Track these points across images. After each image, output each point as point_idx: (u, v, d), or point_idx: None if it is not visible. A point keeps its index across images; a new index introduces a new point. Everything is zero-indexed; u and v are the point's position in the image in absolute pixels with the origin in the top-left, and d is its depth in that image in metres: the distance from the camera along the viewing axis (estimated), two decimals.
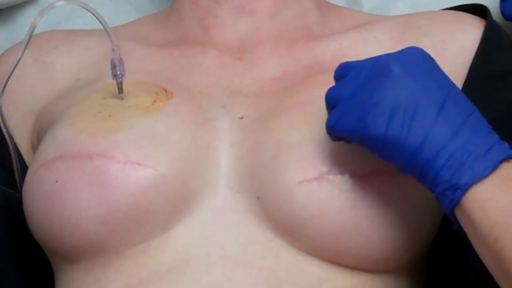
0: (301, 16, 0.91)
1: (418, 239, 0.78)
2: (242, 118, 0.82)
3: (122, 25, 0.98)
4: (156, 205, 0.76)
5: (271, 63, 0.87)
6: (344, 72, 0.73)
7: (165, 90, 0.83)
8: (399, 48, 0.87)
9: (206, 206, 0.78)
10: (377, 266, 0.78)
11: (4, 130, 0.86)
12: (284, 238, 0.77)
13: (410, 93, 0.68)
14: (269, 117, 0.81)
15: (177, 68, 0.87)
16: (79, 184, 0.76)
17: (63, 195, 0.77)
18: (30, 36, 0.82)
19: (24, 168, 0.87)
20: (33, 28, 0.82)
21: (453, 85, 0.71)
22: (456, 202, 0.67)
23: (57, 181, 0.77)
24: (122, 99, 0.82)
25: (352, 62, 0.73)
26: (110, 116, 0.80)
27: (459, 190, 0.67)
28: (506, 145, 0.69)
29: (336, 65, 0.75)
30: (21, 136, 0.91)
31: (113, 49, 0.82)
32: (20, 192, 0.83)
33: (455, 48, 0.88)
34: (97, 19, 0.82)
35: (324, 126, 0.74)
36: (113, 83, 0.82)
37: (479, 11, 0.91)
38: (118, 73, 0.82)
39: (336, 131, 0.72)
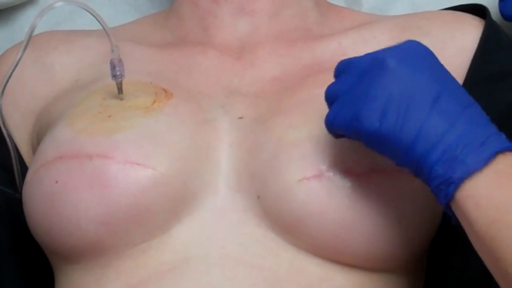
0: (300, 16, 0.91)
1: (418, 237, 0.78)
2: (241, 118, 0.82)
3: (121, 25, 0.98)
4: (156, 205, 0.76)
5: (271, 63, 0.87)
6: (343, 68, 0.73)
7: (165, 91, 0.83)
8: None
9: (206, 206, 0.78)
10: (376, 264, 0.78)
11: (4, 131, 0.86)
12: (284, 237, 0.77)
13: (404, 87, 0.68)
14: (268, 116, 0.81)
15: (177, 68, 0.87)
16: (79, 185, 0.76)
17: (63, 195, 0.77)
18: (30, 37, 0.82)
19: (24, 168, 0.87)
20: (32, 29, 0.82)
21: (450, 78, 0.70)
22: (450, 196, 0.67)
23: (57, 182, 0.77)
24: (121, 99, 0.82)
25: (352, 58, 0.73)
26: (109, 116, 0.80)
27: (452, 184, 0.66)
28: (503, 136, 0.68)
29: (335, 64, 0.75)
30: (21, 137, 0.91)
31: (112, 50, 0.82)
32: (20, 193, 0.83)
33: (455, 48, 0.88)
34: (96, 19, 0.82)
35: (323, 125, 0.74)
36: (112, 83, 0.83)
37: (478, 11, 0.92)
38: (118, 73, 0.82)
39: (334, 127, 0.72)
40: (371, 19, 0.93)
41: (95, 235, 0.76)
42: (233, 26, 0.90)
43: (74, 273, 0.80)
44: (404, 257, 0.78)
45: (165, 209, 0.77)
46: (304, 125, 0.78)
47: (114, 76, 0.82)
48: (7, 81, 0.83)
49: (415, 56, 0.70)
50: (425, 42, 0.87)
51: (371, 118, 0.68)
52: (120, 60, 0.82)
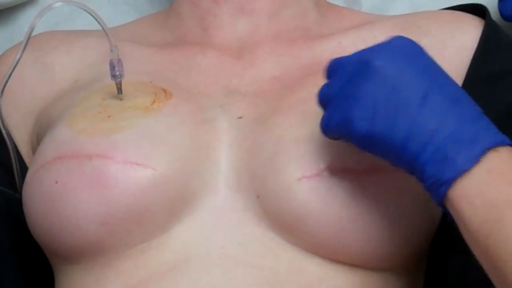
0: (300, 16, 0.91)
1: (418, 237, 0.78)
2: (241, 117, 0.82)
3: (121, 25, 0.98)
4: (155, 205, 0.76)
5: (270, 63, 0.87)
6: (333, 69, 0.73)
7: (164, 91, 0.83)
8: None
9: (206, 206, 0.78)
10: (376, 263, 0.78)
11: (3, 131, 0.86)
12: (284, 236, 0.77)
13: (392, 87, 0.68)
14: (268, 116, 0.81)
15: (176, 68, 0.87)
16: (78, 185, 0.76)
17: (62, 195, 0.77)
18: (29, 37, 0.82)
19: (24, 169, 0.87)
20: (32, 29, 0.82)
21: (439, 72, 0.70)
22: (442, 196, 0.67)
23: (56, 182, 0.77)
24: (121, 99, 0.82)
25: (341, 58, 0.73)
26: (109, 116, 0.80)
27: (444, 184, 0.66)
28: (494, 130, 0.68)
29: None
30: (20, 137, 0.91)
31: (111, 50, 0.82)
32: (20, 193, 0.83)
33: (454, 48, 0.88)
34: (96, 19, 0.82)
35: None
36: (112, 83, 0.83)
37: (478, 11, 0.92)
38: (117, 73, 0.82)
39: (328, 131, 0.72)
40: (371, 19, 0.93)
41: (95, 235, 0.76)
42: (232, 25, 0.90)
43: (74, 273, 0.80)
44: (404, 256, 0.78)
45: (165, 209, 0.77)
46: (304, 124, 0.79)
47: (113, 76, 0.82)
48: (7, 81, 0.83)
49: (402, 53, 0.69)
50: (425, 41, 0.87)
51: (361, 121, 0.68)
52: (119, 60, 0.82)
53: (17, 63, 0.83)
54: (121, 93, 0.83)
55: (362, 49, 0.71)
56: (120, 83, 0.82)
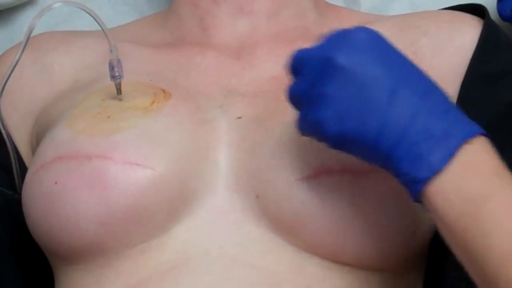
0: (299, 16, 0.92)
1: (417, 236, 0.78)
2: (240, 117, 0.82)
3: (120, 26, 0.98)
4: (155, 205, 0.77)
5: (269, 63, 0.87)
6: (297, 66, 0.71)
7: (163, 91, 0.83)
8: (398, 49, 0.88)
9: (205, 206, 0.78)
10: (375, 263, 0.78)
11: (3, 132, 0.86)
12: (283, 236, 0.77)
13: (359, 84, 0.67)
14: (267, 116, 0.81)
15: (175, 68, 0.87)
16: (78, 185, 0.76)
17: (62, 196, 0.77)
18: (28, 38, 0.82)
19: (23, 169, 0.87)
20: (31, 30, 0.82)
21: (405, 64, 0.69)
22: (418, 194, 0.67)
23: (56, 182, 0.77)
24: (120, 100, 0.83)
25: (302, 55, 0.71)
26: (108, 117, 0.80)
27: (419, 183, 0.66)
28: (465, 122, 0.67)
29: None
30: (20, 138, 0.91)
31: (111, 50, 0.82)
32: (20, 194, 0.83)
33: (454, 48, 0.88)
34: (95, 20, 0.82)
35: None
36: (111, 84, 0.83)
37: (477, 10, 0.91)
38: (116, 74, 0.82)
39: (304, 132, 0.72)
40: (370, 19, 0.93)
41: (94, 235, 0.76)
42: (232, 26, 0.90)
43: (74, 274, 0.80)
44: (403, 256, 0.78)
45: (164, 209, 0.77)
46: None
47: (112, 77, 0.82)
48: (6, 82, 0.83)
49: (365, 47, 0.68)
50: (424, 41, 0.88)
51: (330, 122, 0.68)
52: (118, 61, 0.82)
53: (16, 64, 0.83)
54: (121, 93, 0.83)
55: (323, 43, 0.69)
56: (120, 84, 0.82)
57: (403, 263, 0.80)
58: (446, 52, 0.87)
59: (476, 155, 0.66)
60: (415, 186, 0.66)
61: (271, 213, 0.77)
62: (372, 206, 0.75)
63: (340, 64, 0.67)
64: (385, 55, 0.69)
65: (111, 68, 0.82)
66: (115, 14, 1.11)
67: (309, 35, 0.90)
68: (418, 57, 0.87)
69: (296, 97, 0.71)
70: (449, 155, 0.65)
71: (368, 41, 0.68)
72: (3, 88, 0.84)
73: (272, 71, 0.87)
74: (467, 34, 0.88)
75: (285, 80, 0.85)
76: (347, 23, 0.91)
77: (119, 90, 0.83)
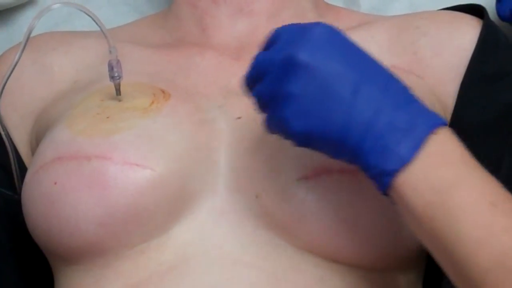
0: (299, 17, 0.91)
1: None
2: (239, 118, 0.82)
3: (120, 26, 0.98)
4: (154, 205, 0.77)
5: None
6: (261, 67, 0.71)
7: (163, 91, 0.83)
8: (397, 49, 0.88)
9: (205, 206, 0.79)
10: (376, 263, 0.78)
11: (2, 132, 0.86)
12: (283, 237, 0.77)
13: (321, 81, 0.67)
14: None
15: (175, 69, 0.87)
16: (77, 186, 0.76)
17: (61, 196, 0.77)
18: (28, 38, 0.82)
19: (23, 169, 0.87)
20: (30, 30, 0.82)
21: (366, 59, 0.69)
22: (386, 187, 0.67)
23: (55, 183, 0.77)
24: (120, 100, 0.83)
25: (265, 56, 0.70)
26: (108, 117, 0.80)
27: (387, 176, 0.66)
28: (428, 113, 0.67)
29: None
30: (20, 138, 0.91)
31: (110, 51, 0.82)
32: (19, 194, 0.83)
33: (453, 48, 0.88)
34: (94, 21, 0.82)
35: None
36: (111, 84, 0.83)
37: (476, 11, 0.92)
38: (116, 74, 0.82)
39: (273, 133, 0.72)
40: (369, 19, 0.93)
41: (94, 236, 0.76)
42: (231, 26, 0.90)
43: (74, 274, 0.80)
44: (404, 255, 0.78)
45: (164, 209, 0.77)
46: None
47: (112, 77, 0.82)
48: (6, 82, 0.84)
49: (326, 43, 0.68)
50: (423, 42, 0.88)
51: (295, 121, 0.68)
52: (118, 62, 0.82)
53: (16, 64, 0.83)
54: (120, 94, 0.83)
55: (284, 42, 0.69)
56: (119, 84, 0.83)
57: (403, 262, 0.80)
58: (445, 52, 0.87)
59: (443, 145, 0.67)
60: (384, 178, 0.66)
61: (271, 213, 0.77)
62: (372, 206, 0.75)
63: (302, 61, 0.67)
64: (346, 50, 0.69)
65: (111, 68, 0.82)
66: (115, 15, 1.11)
67: None
68: (417, 57, 0.87)
69: (262, 98, 0.71)
70: (417, 146, 0.66)
71: (327, 37, 0.68)
72: (3, 88, 0.84)
73: None
74: (466, 34, 0.88)
75: None
76: (346, 24, 0.92)
77: (118, 91, 0.83)
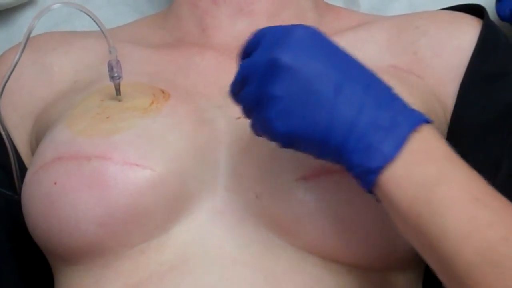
0: (299, 17, 0.92)
1: None
2: (239, 118, 0.82)
3: (120, 26, 0.98)
4: (154, 205, 0.77)
5: None
6: (243, 76, 0.72)
7: (163, 91, 0.83)
8: (397, 49, 0.88)
9: (205, 206, 0.79)
10: (375, 263, 0.78)
11: (2, 132, 0.86)
12: (283, 236, 0.77)
13: (303, 82, 0.67)
14: None
15: (175, 69, 0.87)
16: (77, 186, 0.76)
17: (61, 196, 0.77)
18: (27, 38, 0.82)
19: (23, 170, 0.87)
20: (30, 30, 0.82)
21: (346, 60, 0.69)
22: (371, 185, 0.67)
23: (55, 183, 0.77)
24: (120, 100, 0.83)
25: (246, 64, 0.71)
26: (108, 117, 0.80)
27: (372, 173, 0.67)
28: (410, 111, 0.68)
29: None
30: (20, 138, 0.91)
31: (110, 51, 0.82)
32: (19, 194, 0.83)
33: (453, 48, 0.88)
34: (94, 21, 0.82)
35: None
36: (110, 84, 0.83)
37: (476, 11, 0.92)
38: (116, 75, 0.82)
39: (259, 135, 0.72)
40: (369, 19, 0.93)
41: (94, 236, 0.76)
42: (231, 26, 0.90)
43: (74, 274, 0.80)
44: (403, 255, 0.78)
45: (164, 209, 0.77)
46: None
47: (112, 77, 0.82)
48: (6, 82, 0.84)
49: (307, 44, 0.68)
50: (423, 41, 0.88)
51: (279, 122, 0.68)
52: (118, 62, 0.82)
53: (16, 64, 0.83)
54: (120, 94, 0.83)
55: (266, 46, 0.70)
56: (119, 84, 0.83)
57: (403, 262, 0.80)
58: (445, 52, 0.87)
59: (426, 142, 0.67)
60: (368, 176, 0.67)
61: (271, 213, 0.77)
62: (371, 206, 0.75)
63: (285, 63, 0.68)
64: (327, 51, 0.69)
65: (110, 68, 0.82)
66: (114, 15, 1.11)
67: None
68: (417, 57, 0.87)
69: (248, 103, 0.71)
70: (400, 143, 0.66)
71: (309, 39, 0.69)
72: (3, 88, 0.84)
73: None
74: (466, 34, 0.88)
75: None
76: (346, 24, 0.92)
77: (118, 91, 0.83)
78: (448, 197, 0.65)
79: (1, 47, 0.99)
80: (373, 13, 1.05)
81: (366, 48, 0.88)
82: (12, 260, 0.89)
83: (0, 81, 0.85)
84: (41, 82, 0.91)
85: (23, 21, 1.12)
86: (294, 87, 0.67)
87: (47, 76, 0.91)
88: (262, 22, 0.90)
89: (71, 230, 0.77)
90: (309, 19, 0.92)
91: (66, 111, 0.84)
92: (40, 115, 0.90)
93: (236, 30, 0.90)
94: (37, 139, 0.90)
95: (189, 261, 0.76)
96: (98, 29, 0.83)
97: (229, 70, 0.86)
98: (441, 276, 0.67)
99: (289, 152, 0.76)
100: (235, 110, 0.82)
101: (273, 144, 0.77)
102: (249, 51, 0.72)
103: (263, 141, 0.79)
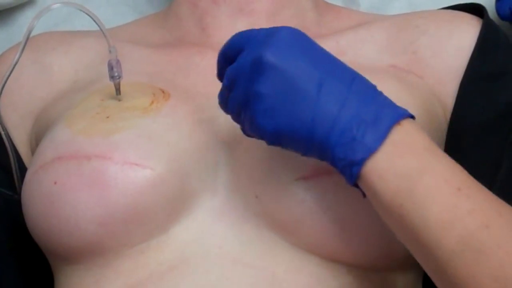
0: (299, 17, 0.92)
1: None
2: None
3: (120, 26, 0.98)
4: (154, 205, 0.77)
5: None
6: (231, 80, 0.73)
7: (162, 91, 0.83)
8: (397, 48, 0.88)
9: (205, 206, 0.79)
10: (375, 262, 0.78)
11: (2, 132, 0.86)
12: (283, 236, 0.77)
13: (287, 80, 0.68)
14: None
15: (174, 68, 0.87)
16: (77, 185, 0.76)
17: (61, 196, 0.77)
18: (27, 38, 0.82)
19: (23, 169, 0.87)
20: (30, 30, 0.82)
21: (329, 57, 0.71)
22: (355, 177, 0.68)
23: (55, 183, 0.77)
24: (119, 100, 0.83)
25: (233, 68, 0.72)
26: (108, 117, 0.80)
27: (355, 166, 0.67)
28: (392, 106, 0.69)
29: None
30: (19, 138, 0.91)
31: (110, 51, 0.82)
32: (19, 194, 0.83)
33: (452, 47, 0.88)
34: (94, 20, 0.82)
35: None
36: (110, 84, 0.83)
37: (476, 10, 0.92)
38: (115, 74, 0.82)
39: (247, 134, 0.73)
40: (369, 18, 0.93)
41: (94, 235, 0.76)
42: (231, 26, 0.90)
43: (73, 274, 0.80)
44: (403, 255, 0.78)
45: (164, 209, 0.77)
46: None
47: (112, 77, 0.82)
48: (6, 82, 0.84)
49: (292, 44, 0.69)
50: (423, 41, 0.88)
51: (264, 120, 0.69)
52: (117, 61, 0.82)
53: (15, 64, 0.83)
54: (120, 94, 0.83)
55: (251, 48, 0.71)
56: (119, 84, 0.83)
57: (402, 262, 0.80)
58: (445, 51, 0.87)
59: (408, 135, 0.68)
60: (352, 169, 0.68)
61: (271, 213, 0.77)
62: (371, 206, 0.75)
63: (269, 61, 0.69)
64: (310, 50, 0.70)
65: (110, 68, 0.82)
66: (114, 14, 1.11)
67: (308, 35, 0.90)
68: (417, 57, 0.87)
69: (236, 105, 0.72)
70: (383, 136, 0.67)
71: (292, 38, 0.70)
72: (3, 88, 0.84)
73: None
74: (466, 34, 0.88)
75: None
76: (346, 23, 0.92)
77: (118, 91, 0.83)
78: (429, 187, 0.66)
79: (1, 47, 0.99)
80: (372, 12, 1.05)
81: (366, 48, 0.88)
82: (12, 260, 0.89)
83: (0, 81, 0.85)
84: (41, 82, 0.91)
85: (23, 21, 1.12)
86: (278, 84, 0.68)
87: (47, 75, 0.91)
88: (262, 21, 0.90)
89: (71, 229, 0.77)
90: (309, 19, 0.92)
91: (66, 111, 0.84)
92: (40, 115, 0.90)
93: (236, 30, 0.89)
94: (37, 139, 0.89)
95: (189, 261, 0.77)
96: (98, 28, 0.83)
97: None
98: (424, 265, 0.68)
99: (288, 152, 0.77)
100: None
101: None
102: (231, 55, 0.73)
103: (262, 141, 0.79)
